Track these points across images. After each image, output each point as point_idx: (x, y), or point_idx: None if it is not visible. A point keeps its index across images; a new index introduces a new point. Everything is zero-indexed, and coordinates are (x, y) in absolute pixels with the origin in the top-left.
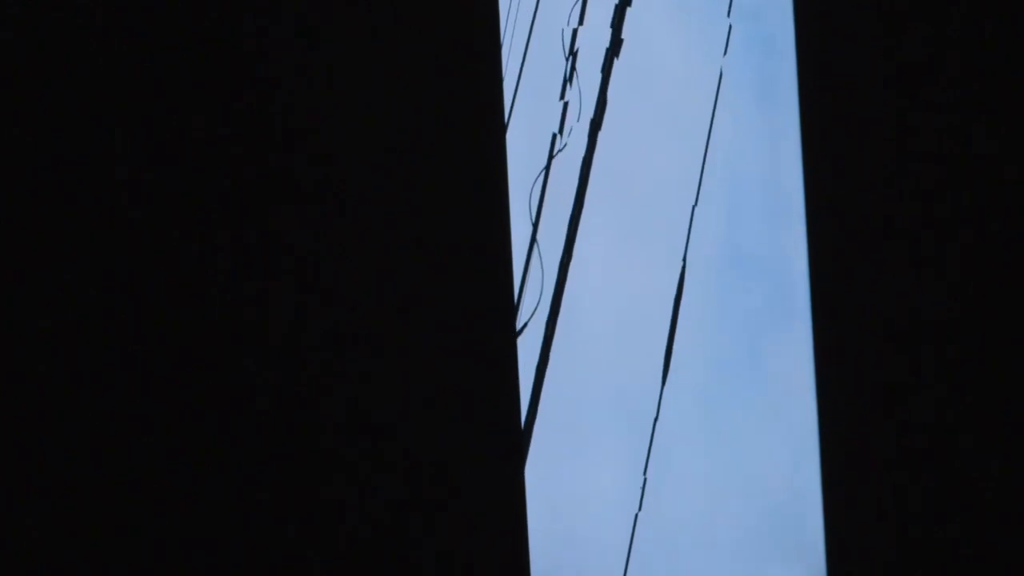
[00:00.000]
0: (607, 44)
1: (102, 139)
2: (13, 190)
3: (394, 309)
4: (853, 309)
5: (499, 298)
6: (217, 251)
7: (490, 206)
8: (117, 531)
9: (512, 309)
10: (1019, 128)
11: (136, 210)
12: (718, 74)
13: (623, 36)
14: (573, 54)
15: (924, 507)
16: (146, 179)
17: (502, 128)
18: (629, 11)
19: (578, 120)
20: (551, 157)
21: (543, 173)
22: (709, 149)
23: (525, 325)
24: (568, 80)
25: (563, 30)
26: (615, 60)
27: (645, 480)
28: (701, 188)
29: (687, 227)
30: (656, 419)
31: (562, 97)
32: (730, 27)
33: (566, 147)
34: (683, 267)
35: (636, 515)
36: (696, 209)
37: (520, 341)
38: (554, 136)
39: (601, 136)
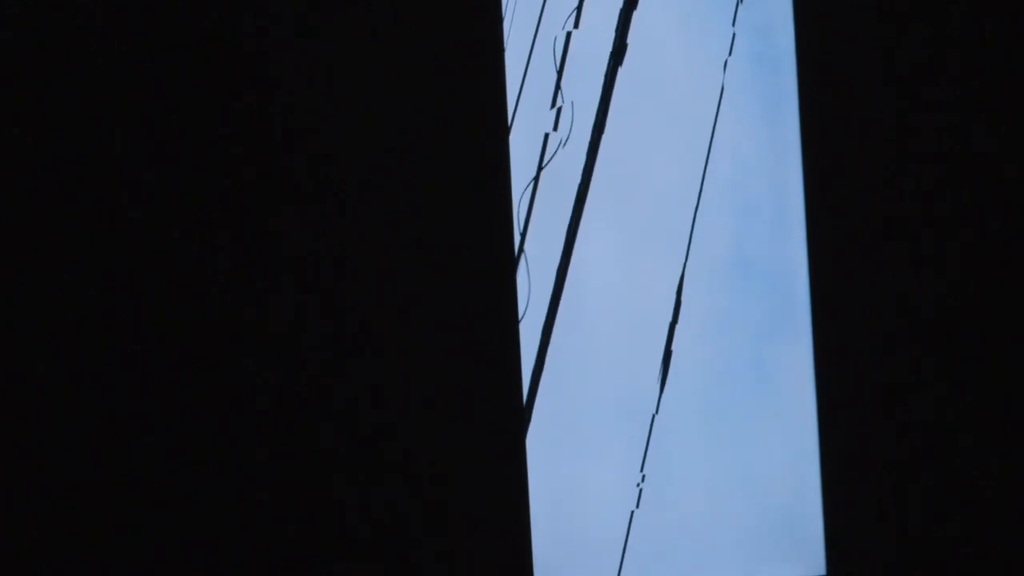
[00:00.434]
0: (610, 48)
1: (102, 139)
2: (13, 190)
3: (394, 309)
4: (853, 309)
5: (501, 298)
6: (217, 251)
7: (491, 206)
8: (117, 531)
9: (515, 309)
10: (1019, 128)
11: (136, 210)
12: (721, 78)
13: (627, 41)
14: (563, 59)
15: (924, 507)
16: (146, 179)
17: (504, 128)
18: (630, 16)
19: (571, 126)
20: (540, 168)
21: (531, 184)
22: (711, 151)
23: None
24: (558, 87)
25: (555, 38)
26: (619, 64)
27: (643, 477)
28: (703, 190)
29: (689, 229)
30: (654, 416)
31: (553, 105)
32: (734, 35)
33: (563, 149)
34: (684, 268)
35: (632, 512)
36: (698, 211)
37: (520, 342)
38: (543, 145)
39: (604, 139)
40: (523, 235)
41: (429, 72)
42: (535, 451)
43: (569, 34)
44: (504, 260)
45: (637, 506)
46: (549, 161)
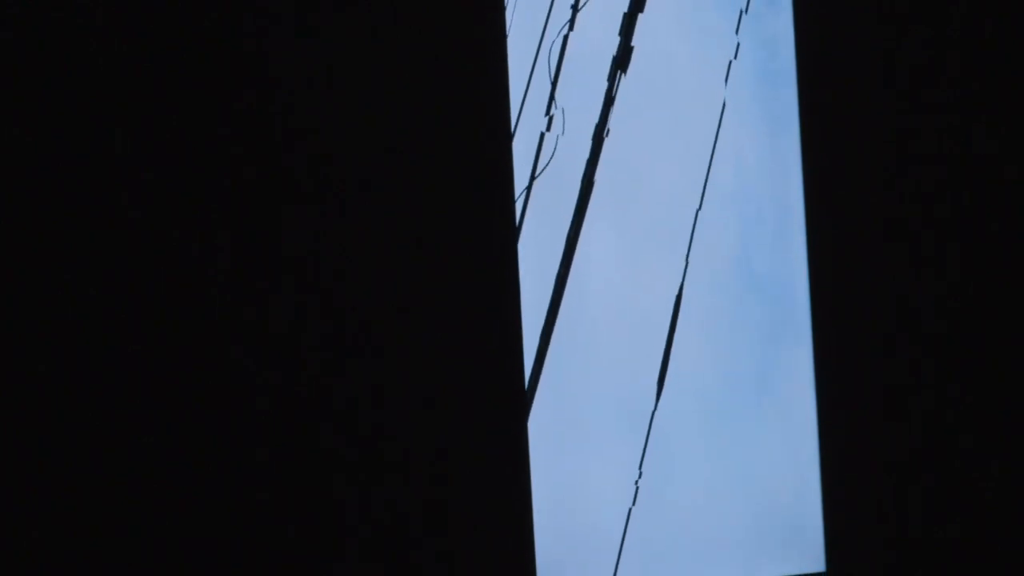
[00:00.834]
0: (609, 50)
1: (102, 139)
2: (13, 190)
3: (394, 309)
4: (853, 310)
5: (501, 298)
6: (217, 251)
7: (491, 206)
8: (117, 531)
9: (517, 309)
10: (1019, 129)
11: (136, 210)
12: (722, 80)
13: (632, 44)
14: (560, 63)
15: (924, 507)
16: (146, 179)
17: (506, 127)
18: (635, 20)
19: (562, 128)
20: (533, 177)
21: (532, 185)
22: (713, 153)
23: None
24: (552, 93)
25: (552, 42)
26: (623, 67)
27: (640, 474)
28: (704, 192)
29: (690, 230)
30: (655, 416)
31: (548, 112)
32: (738, 45)
33: (566, 150)
34: (686, 268)
35: (629, 510)
36: (699, 213)
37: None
38: (538, 146)
39: (608, 142)
40: (517, 228)
41: (429, 72)
42: (536, 451)
43: (566, 37)
44: (504, 260)
45: (634, 503)
46: (544, 169)
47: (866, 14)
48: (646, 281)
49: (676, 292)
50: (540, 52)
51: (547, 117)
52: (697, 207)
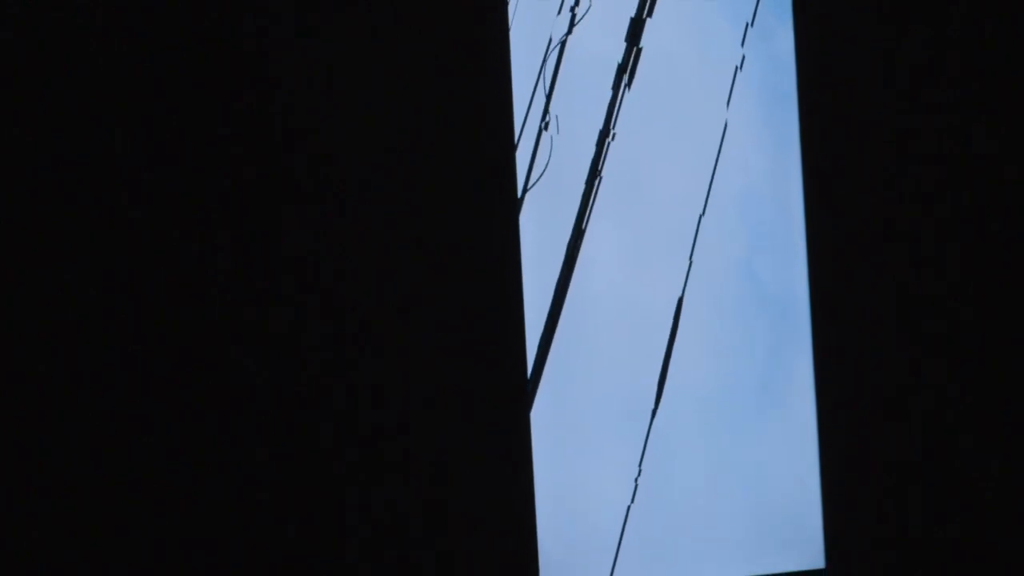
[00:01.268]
0: (609, 52)
1: (102, 139)
2: (13, 190)
3: (394, 309)
4: (853, 309)
5: (502, 297)
6: (217, 251)
7: (492, 206)
8: (117, 531)
9: (520, 309)
10: (1019, 129)
11: (136, 210)
12: (723, 79)
13: (637, 49)
14: (557, 66)
15: (924, 507)
16: (146, 179)
17: (509, 127)
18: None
19: (557, 132)
20: (526, 190)
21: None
22: (719, 158)
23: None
24: (548, 101)
25: (548, 45)
26: (627, 71)
27: (640, 472)
28: (709, 197)
29: (694, 232)
30: (654, 413)
31: (543, 118)
32: (743, 58)
33: (569, 151)
34: (689, 268)
35: (628, 507)
36: (703, 215)
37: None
38: (535, 146)
39: (612, 145)
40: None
41: (430, 71)
42: (535, 451)
43: (563, 42)
44: (506, 260)
45: (632, 501)
46: (544, 170)
47: (866, 14)
48: (647, 280)
49: (678, 292)
50: (543, 51)
51: (543, 122)
52: (701, 212)
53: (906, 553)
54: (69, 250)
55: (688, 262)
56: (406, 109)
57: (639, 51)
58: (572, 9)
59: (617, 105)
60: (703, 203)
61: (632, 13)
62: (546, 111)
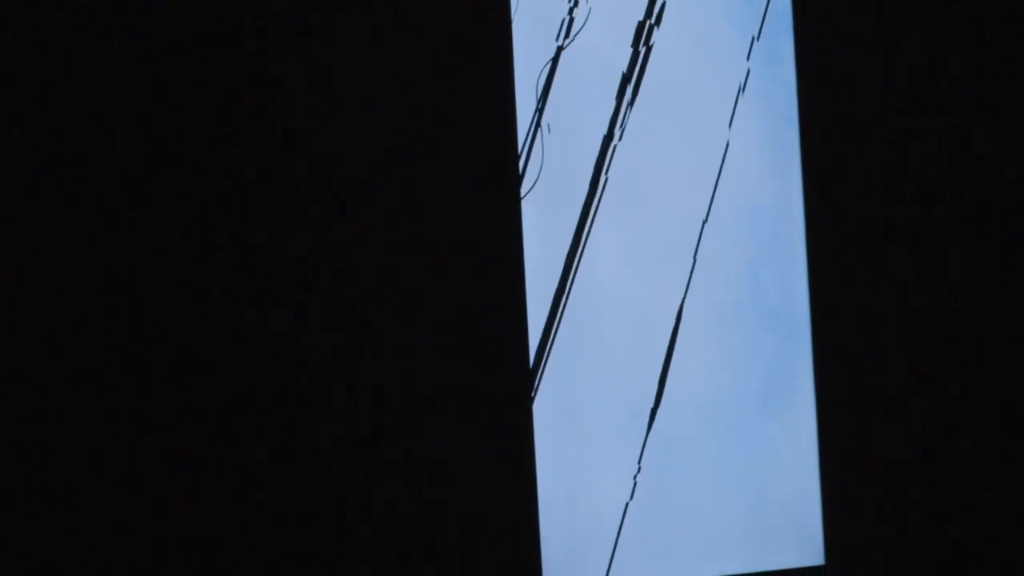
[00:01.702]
0: (617, 52)
1: (102, 139)
2: (13, 190)
3: (394, 309)
4: (853, 309)
5: (502, 297)
6: (217, 251)
7: (492, 206)
8: (117, 531)
9: (522, 309)
10: (1019, 130)
11: (136, 210)
12: (724, 81)
13: (641, 57)
14: (552, 73)
15: (924, 507)
16: (146, 179)
17: (510, 127)
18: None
19: (548, 131)
20: (519, 199)
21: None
22: (723, 164)
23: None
24: (542, 109)
25: (557, 42)
26: (633, 76)
27: (639, 469)
28: (713, 202)
29: (698, 233)
30: (654, 411)
31: (536, 125)
32: (748, 71)
33: (573, 151)
34: (692, 268)
35: (627, 504)
36: (708, 218)
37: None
38: (530, 144)
39: (618, 146)
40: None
41: (430, 71)
42: (537, 452)
43: (560, 48)
44: (506, 259)
45: (631, 497)
46: (529, 191)
47: (866, 14)
48: (650, 279)
49: (679, 291)
50: (545, 50)
51: (544, 123)
52: (704, 217)
53: (906, 552)
54: (69, 250)
55: (692, 260)
56: (406, 109)
57: (644, 55)
58: (570, 12)
59: (623, 109)
60: (707, 206)
61: (639, 17)
62: (543, 110)
